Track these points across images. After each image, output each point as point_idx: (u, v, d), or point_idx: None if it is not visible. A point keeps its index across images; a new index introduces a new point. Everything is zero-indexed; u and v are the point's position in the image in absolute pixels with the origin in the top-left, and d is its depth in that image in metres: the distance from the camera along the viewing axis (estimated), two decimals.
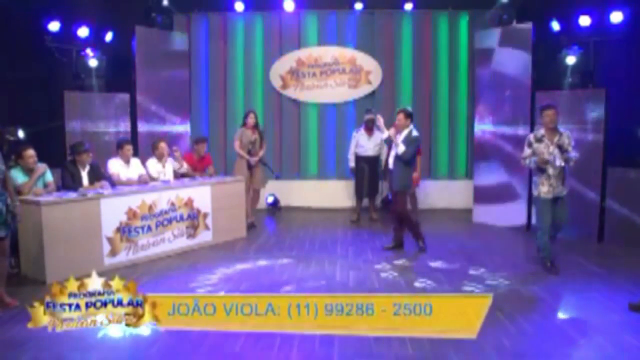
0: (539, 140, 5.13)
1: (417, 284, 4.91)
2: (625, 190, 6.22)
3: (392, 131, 5.82)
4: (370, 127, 7.69)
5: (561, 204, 5.14)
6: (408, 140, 5.75)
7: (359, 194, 7.95)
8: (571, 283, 4.93)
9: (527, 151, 5.19)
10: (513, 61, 7.29)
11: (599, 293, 4.64)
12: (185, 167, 6.75)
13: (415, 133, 5.81)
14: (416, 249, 6.01)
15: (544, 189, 5.13)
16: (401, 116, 5.83)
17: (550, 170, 5.04)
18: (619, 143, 6.33)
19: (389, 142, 5.94)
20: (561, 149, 5.02)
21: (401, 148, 5.71)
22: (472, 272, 5.26)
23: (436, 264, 5.54)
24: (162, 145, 6.60)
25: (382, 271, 5.32)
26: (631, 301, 4.23)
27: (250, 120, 7.15)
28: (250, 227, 7.20)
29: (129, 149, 6.23)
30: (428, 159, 8.98)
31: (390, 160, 5.93)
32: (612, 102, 6.40)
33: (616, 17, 6.45)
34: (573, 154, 5.03)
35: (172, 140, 8.24)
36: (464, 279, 5.04)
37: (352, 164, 7.91)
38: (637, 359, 3.47)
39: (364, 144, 7.76)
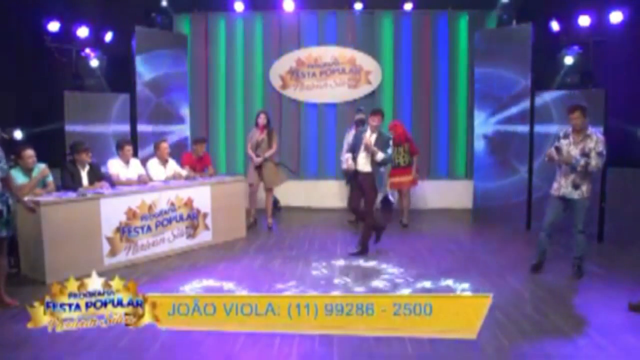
0: (566, 136, 5.02)
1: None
2: (625, 190, 6.22)
3: (367, 140, 5.70)
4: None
5: (573, 209, 5.01)
6: (382, 143, 5.68)
7: None
8: (571, 283, 4.94)
9: (554, 144, 5.07)
10: (513, 61, 7.29)
11: (599, 293, 4.64)
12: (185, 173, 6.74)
13: (385, 132, 5.85)
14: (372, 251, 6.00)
15: (554, 186, 5.11)
16: (379, 117, 5.79)
17: (562, 168, 4.98)
18: (619, 143, 6.32)
19: (354, 148, 5.83)
20: (585, 153, 4.85)
21: (380, 156, 5.64)
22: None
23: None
24: (164, 145, 6.60)
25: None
26: (631, 301, 4.23)
27: (260, 120, 7.16)
28: (269, 228, 7.34)
29: (129, 149, 6.23)
30: (428, 159, 8.98)
31: (362, 162, 5.74)
32: (612, 102, 6.40)
33: (616, 17, 6.46)
34: (583, 159, 4.81)
35: (172, 140, 8.27)
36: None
37: (345, 165, 7.77)
38: (637, 359, 3.47)
39: None
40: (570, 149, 4.94)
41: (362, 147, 5.74)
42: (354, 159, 5.80)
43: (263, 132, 7.15)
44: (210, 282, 4.99)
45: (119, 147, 6.22)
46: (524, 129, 7.22)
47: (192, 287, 4.83)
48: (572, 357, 3.47)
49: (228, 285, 4.89)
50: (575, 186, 4.94)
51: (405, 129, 7.55)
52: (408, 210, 7.60)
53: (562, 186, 5.01)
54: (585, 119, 4.93)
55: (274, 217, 8.23)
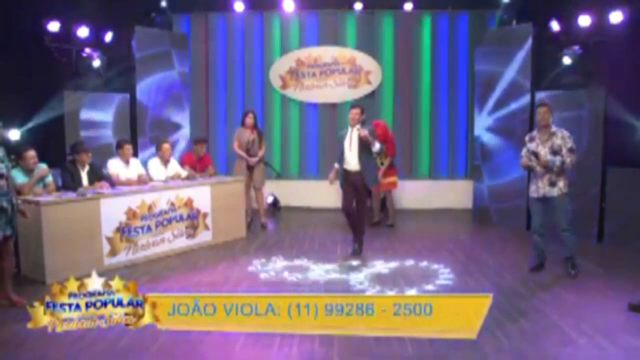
0: (532, 139, 5.14)
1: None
2: (624, 190, 6.21)
3: (363, 132, 5.62)
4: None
5: (554, 207, 5.05)
6: (372, 134, 5.72)
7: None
8: (571, 283, 4.94)
9: (523, 150, 5.20)
10: (513, 61, 7.29)
11: (599, 293, 4.64)
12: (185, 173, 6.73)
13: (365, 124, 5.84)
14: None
15: (532, 188, 5.20)
16: (359, 110, 5.75)
17: (537, 170, 5.04)
18: (619, 143, 6.32)
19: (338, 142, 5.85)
20: (554, 150, 4.95)
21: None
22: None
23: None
24: (166, 146, 6.59)
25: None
26: (631, 301, 4.23)
27: (249, 120, 7.12)
28: (263, 227, 7.29)
29: (128, 148, 6.23)
30: (428, 159, 8.98)
31: (353, 161, 5.72)
32: (612, 102, 6.39)
33: (616, 17, 6.44)
34: (557, 158, 4.88)
35: (172, 140, 8.28)
36: None
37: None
38: (637, 359, 3.47)
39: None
40: (539, 149, 5.03)
41: (349, 147, 5.71)
42: (342, 157, 5.79)
43: (253, 132, 7.13)
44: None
45: (119, 146, 6.21)
46: (523, 129, 7.21)
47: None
48: (572, 357, 3.47)
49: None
50: (552, 184, 5.01)
51: (387, 129, 7.38)
52: (392, 211, 7.55)
53: (540, 187, 5.08)
54: (550, 117, 5.04)
55: (273, 217, 8.25)
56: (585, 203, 6.44)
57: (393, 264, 5.55)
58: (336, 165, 5.93)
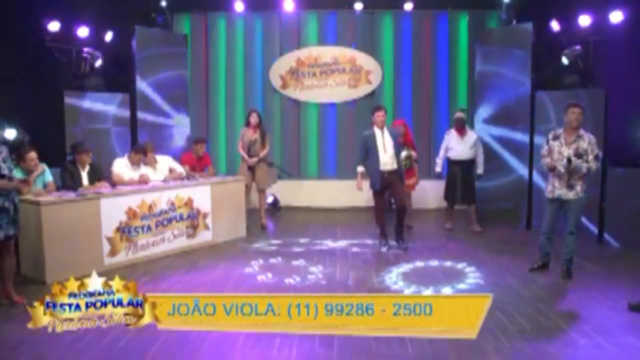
0: (556, 137, 5.01)
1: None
2: (625, 190, 6.21)
3: (415, 154, 6.48)
4: (461, 127, 6.96)
5: (568, 209, 4.98)
6: (394, 135, 6.02)
7: (451, 200, 7.24)
8: (571, 283, 4.93)
9: (545, 148, 5.08)
10: (513, 61, 7.29)
11: (599, 293, 4.64)
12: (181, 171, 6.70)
13: (390, 127, 6.16)
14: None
15: (548, 188, 5.10)
16: (385, 111, 5.99)
17: (556, 170, 4.93)
18: (619, 143, 6.32)
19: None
20: (578, 153, 4.84)
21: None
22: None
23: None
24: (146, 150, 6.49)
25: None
26: (631, 301, 4.23)
27: (253, 119, 7.10)
28: (262, 228, 7.21)
29: (141, 155, 6.22)
30: (428, 159, 8.96)
31: (390, 161, 5.88)
32: (612, 102, 6.40)
33: (616, 17, 6.45)
34: (585, 165, 4.80)
35: (171, 139, 8.29)
36: None
37: (439, 168, 7.21)
38: (637, 359, 3.47)
39: (455, 146, 6.98)
40: (563, 149, 4.93)
41: (384, 149, 5.85)
42: (376, 160, 5.87)
43: (256, 132, 7.10)
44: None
45: (137, 151, 6.17)
46: (524, 129, 7.22)
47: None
48: (572, 357, 3.47)
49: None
50: (570, 187, 4.92)
51: (409, 131, 7.15)
52: (410, 212, 7.45)
53: (557, 188, 4.99)
54: (582, 119, 4.93)
55: (273, 217, 8.25)
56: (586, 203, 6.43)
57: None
58: (360, 169, 6.05)
